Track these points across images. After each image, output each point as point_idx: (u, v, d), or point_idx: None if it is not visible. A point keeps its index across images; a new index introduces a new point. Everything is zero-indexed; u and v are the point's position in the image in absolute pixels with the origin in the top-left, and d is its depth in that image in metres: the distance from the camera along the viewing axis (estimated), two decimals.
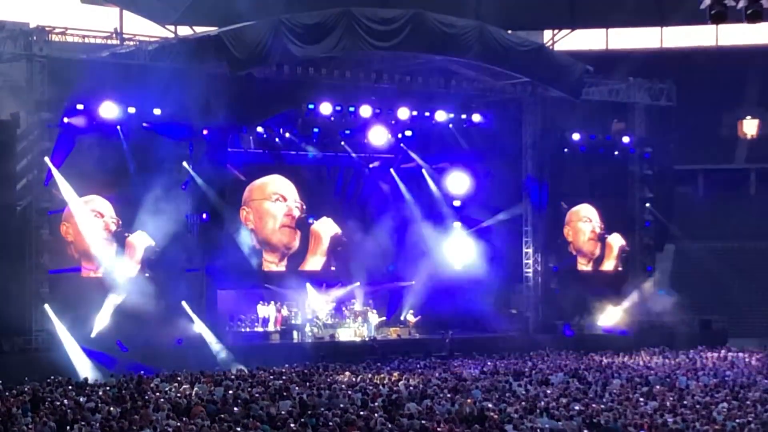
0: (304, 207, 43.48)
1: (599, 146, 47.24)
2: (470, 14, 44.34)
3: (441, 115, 44.18)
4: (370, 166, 45.51)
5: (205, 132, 38.00)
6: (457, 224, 46.52)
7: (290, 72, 39.15)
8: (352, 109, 42.16)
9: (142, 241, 37.48)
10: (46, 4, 51.11)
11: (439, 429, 21.47)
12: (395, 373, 33.06)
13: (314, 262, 44.09)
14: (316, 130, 43.05)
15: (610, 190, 47.94)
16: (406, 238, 45.08)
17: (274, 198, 43.08)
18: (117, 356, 34.84)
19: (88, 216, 36.81)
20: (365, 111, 42.34)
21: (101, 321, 35.95)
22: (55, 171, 35.24)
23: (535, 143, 45.40)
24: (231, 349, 37.24)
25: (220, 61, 36.76)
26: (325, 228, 44.16)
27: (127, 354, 35.02)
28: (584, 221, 48.12)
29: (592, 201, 47.88)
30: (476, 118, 44.54)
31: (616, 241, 48.57)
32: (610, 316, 46.55)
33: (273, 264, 43.25)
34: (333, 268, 44.28)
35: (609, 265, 48.58)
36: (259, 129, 41.92)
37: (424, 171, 46.36)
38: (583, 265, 48.17)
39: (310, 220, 43.67)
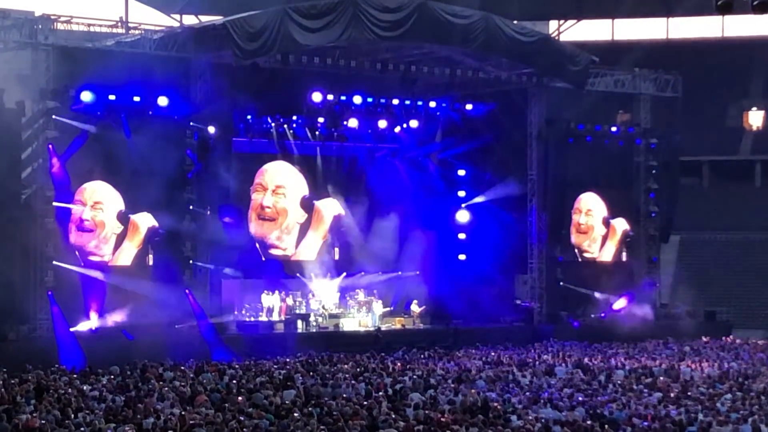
0: (290, 193, 43.36)
1: (604, 137, 47.08)
2: (475, 4, 44.17)
3: (445, 105, 44.22)
4: (375, 155, 45.49)
5: (210, 124, 37.97)
6: (461, 214, 46.52)
7: (295, 62, 39.10)
8: (358, 99, 42.18)
9: (145, 221, 37.41)
10: None
11: (442, 419, 21.46)
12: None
13: (313, 243, 43.91)
14: (321, 119, 43.11)
15: (615, 181, 47.73)
16: (410, 228, 45.02)
17: (255, 188, 43.07)
18: (122, 344, 34.85)
19: (91, 204, 36.80)
20: (370, 100, 42.37)
21: (106, 309, 35.96)
22: (55, 160, 35.15)
23: (540, 134, 45.26)
24: (235, 339, 37.23)
25: (226, 51, 36.75)
26: (328, 207, 44.13)
27: (132, 342, 35.06)
28: (590, 211, 47.91)
29: (597, 191, 47.73)
30: (481, 108, 44.48)
31: (620, 225, 48.34)
32: (615, 306, 46.50)
33: (280, 251, 43.28)
34: (336, 258, 44.26)
35: (612, 251, 48.25)
36: (264, 118, 41.93)
37: (428, 161, 46.35)
38: (589, 255, 48.02)
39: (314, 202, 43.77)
